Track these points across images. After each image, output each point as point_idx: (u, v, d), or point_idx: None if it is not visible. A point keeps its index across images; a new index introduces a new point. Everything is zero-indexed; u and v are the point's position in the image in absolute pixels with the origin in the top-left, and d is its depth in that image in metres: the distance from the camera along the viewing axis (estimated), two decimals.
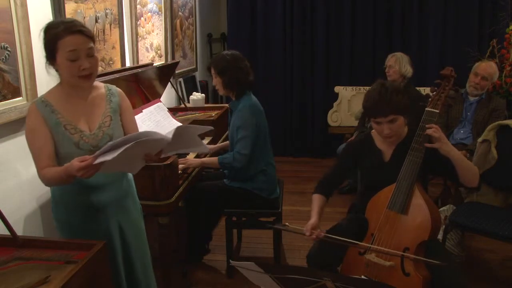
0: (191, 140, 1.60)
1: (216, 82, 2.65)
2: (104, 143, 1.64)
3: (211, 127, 1.65)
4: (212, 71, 2.65)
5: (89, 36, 1.59)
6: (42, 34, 1.59)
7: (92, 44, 1.60)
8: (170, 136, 1.45)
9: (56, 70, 1.62)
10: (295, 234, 3.14)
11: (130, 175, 1.89)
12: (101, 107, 1.73)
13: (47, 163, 1.58)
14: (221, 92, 2.67)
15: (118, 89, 1.84)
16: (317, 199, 2.12)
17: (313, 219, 1.99)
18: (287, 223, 1.99)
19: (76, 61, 1.56)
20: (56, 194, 1.74)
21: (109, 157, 1.38)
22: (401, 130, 2.00)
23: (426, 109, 1.95)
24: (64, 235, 1.75)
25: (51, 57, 1.58)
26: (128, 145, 1.37)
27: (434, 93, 2.02)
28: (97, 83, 1.76)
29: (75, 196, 1.70)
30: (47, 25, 1.60)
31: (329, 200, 2.17)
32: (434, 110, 1.93)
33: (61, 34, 1.53)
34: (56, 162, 1.61)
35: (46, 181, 1.60)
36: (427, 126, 1.88)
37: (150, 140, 1.44)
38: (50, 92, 1.68)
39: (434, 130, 1.85)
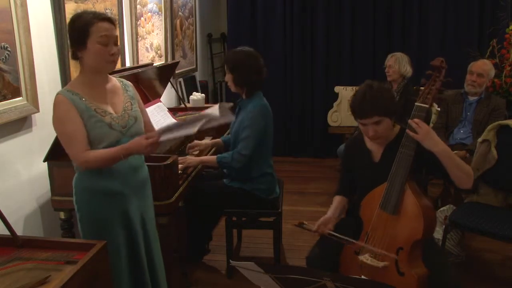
0: (222, 112, 1.77)
1: (228, 78, 2.63)
2: (131, 125, 1.76)
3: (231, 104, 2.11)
4: (226, 66, 2.64)
5: (115, 25, 1.70)
6: (69, 24, 1.68)
7: (117, 33, 1.70)
8: (217, 113, 1.71)
9: (80, 58, 1.67)
10: (295, 234, 3.13)
11: (145, 165, 1.94)
12: (119, 95, 1.81)
13: (84, 146, 1.64)
14: (232, 88, 2.65)
15: (129, 82, 1.92)
16: (336, 198, 2.18)
17: (327, 214, 2.06)
18: (304, 222, 2.00)
19: (106, 46, 1.64)
20: (80, 184, 1.76)
21: (184, 132, 1.66)
22: (388, 132, 1.94)
23: (415, 104, 1.86)
24: (87, 225, 1.77)
25: (81, 43, 1.63)
26: (202, 122, 1.65)
27: (425, 86, 1.92)
28: (109, 76, 1.83)
29: (100, 183, 1.73)
30: (74, 15, 1.68)
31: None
32: (423, 105, 1.84)
33: (93, 21, 1.62)
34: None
35: (89, 163, 1.65)
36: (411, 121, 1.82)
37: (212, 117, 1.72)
38: (71, 83, 1.75)
39: (414, 121, 1.79)
